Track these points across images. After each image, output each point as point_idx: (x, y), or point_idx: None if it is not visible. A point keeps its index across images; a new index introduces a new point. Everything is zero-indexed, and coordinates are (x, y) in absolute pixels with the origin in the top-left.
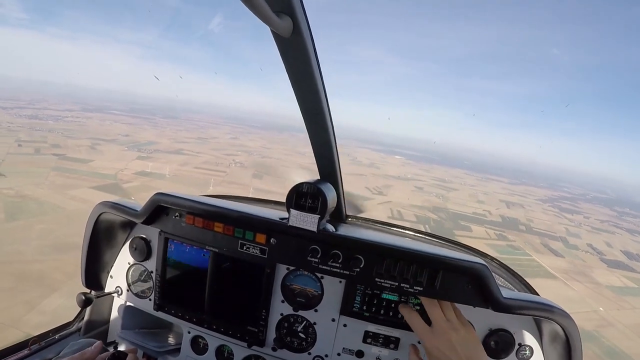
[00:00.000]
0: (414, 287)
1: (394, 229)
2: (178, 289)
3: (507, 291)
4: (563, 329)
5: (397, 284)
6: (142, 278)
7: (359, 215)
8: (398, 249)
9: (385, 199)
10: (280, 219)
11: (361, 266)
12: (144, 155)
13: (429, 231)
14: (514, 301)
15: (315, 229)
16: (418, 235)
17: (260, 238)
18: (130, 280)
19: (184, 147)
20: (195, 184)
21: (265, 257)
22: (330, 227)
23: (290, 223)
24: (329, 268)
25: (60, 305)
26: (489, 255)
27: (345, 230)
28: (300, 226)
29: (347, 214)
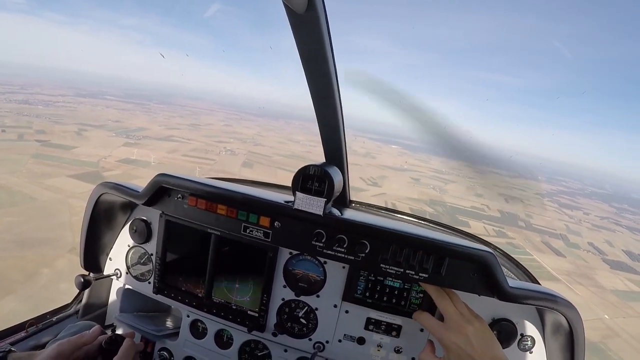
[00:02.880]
0: (420, 274)
1: (398, 215)
2: (178, 272)
3: (512, 280)
4: (567, 319)
5: (402, 270)
6: (141, 261)
7: (363, 201)
8: (405, 234)
9: (380, 190)
10: (285, 202)
11: (366, 251)
12: (131, 141)
13: (432, 219)
14: (520, 290)
15: (321, 213)
16: (422, 222)
17: (264, 221)
18: (129, 263)
19: (174, 133)
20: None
21: (269, 240)
22: (336, 212)
23: (296, 206)
24: (333, 253)
25: (12, 310)
26: (492, 244)
27: (351, 214)
28: (306, 209)
29: (351, 199)
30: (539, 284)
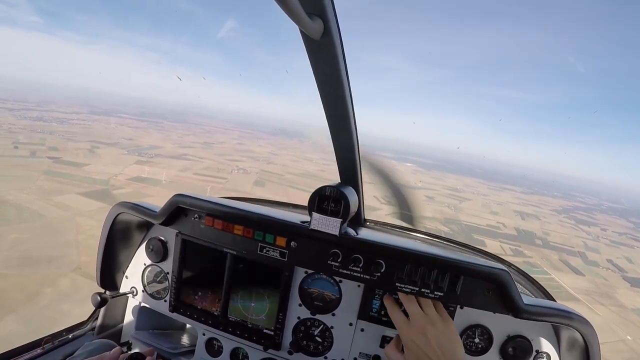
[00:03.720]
0: (435, 293)
1: (413, 233)
2: (194, 291)
3: (527, 297)
4: (582, 335)
5: (417, 289)
6: (157, 279)
7: (378, 220)
8: (420, 253)
9: (395, 209)
10: (301, 222)
11: (382, 271)
12: (143, 159)
13: (447, 237)
14: (535, 307)
15: (337, 233)
16: (436, 240)
17: (281, 241)
18: (145, 281)
19: (187, 151)
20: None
21: (285, 260)
22: (352, 231)
23: (312, 226)
24: (349, 272)
25: (11, 331)
26: (506, 261)
27: (365, 234)
28: (322, 230)
29: (366, 218)
30: (555, 300)
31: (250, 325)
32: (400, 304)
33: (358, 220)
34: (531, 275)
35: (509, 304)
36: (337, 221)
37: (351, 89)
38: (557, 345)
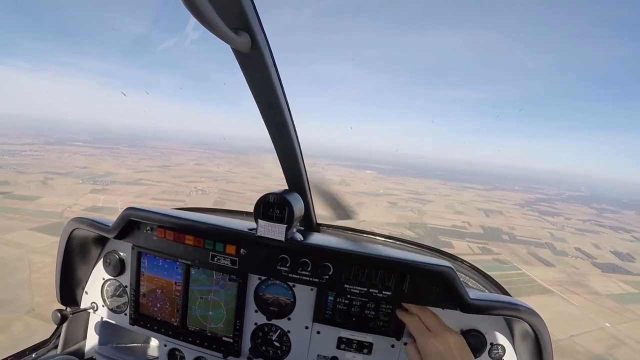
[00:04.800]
0: (383, 292)
1: (366, 235)
2: (152, 303)
3: (476, 292)
4: (531, 326)
5: (365, 289)
6: (117, 293)
7: (331, 223)
8: (365, 255)
9: (358, 218)
10: (249, 229)
11: (330, 273)
12: (98, 187)
13: (400, 237)
14: (481, 302)
15: (282, 239)
16: (388, 240)
17: (230, 249)
18: (105, 296)
19: (144, 176)
20: None
21: (236, 267)
22: (299, 236)
23: (259, 233)
24: (298, 276)
25: None
26: (459, 258)
27: (315, 238)
28: (269, 236)
29: (319, 222)
30: (509, 294)
31: (209, 334)
32: (401, 325)
33: (310, 225)
34: (484, 271)
35: (455, 300)
36: (282, 227)
37: (287, 98)
38: (511, 337)
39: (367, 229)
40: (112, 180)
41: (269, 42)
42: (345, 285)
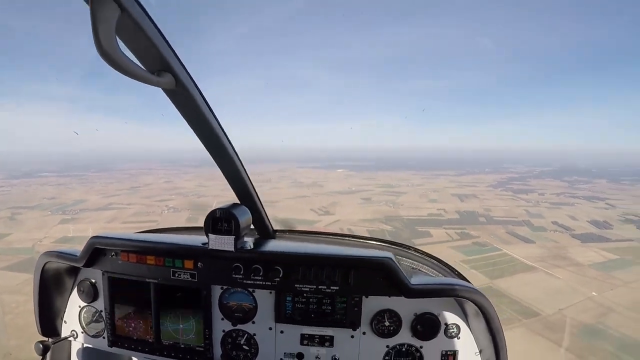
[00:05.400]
0: (331, 287)
1: (321, 236)
2: (127, 323)
3: (425, 277)
4: (475, 304)
5: (314, 286)
6: (94, 318)
7: (288, 229)
8: (309, 255)
9: (333, 218)
10: (202, 244)
11: (280, 276)
12: (68, 217)
13: (354, 233)
14: (422, 286)
15: (232, 249)
16: (338, 238)
17: (189, 264)
18: (83, 323)
19: (113, 200)
20: None
21: (196, 280)
22: (249, 245)
23: (211, 246)
24: (253, 282)
25: None
26: (412, 247)
27: (268, 245)
28: (220, 248)
29: (275, 228)
30: (463, 277)
31: (182, 346)
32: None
33: (267, 233)
34: (437, 256)
35: (398, 287)
36: (230, 239)
37: (218, 120)
38: (464, 316)
39: (325, 230)
40: (82, 208)
41: (193, 76)
42: (296, 285)
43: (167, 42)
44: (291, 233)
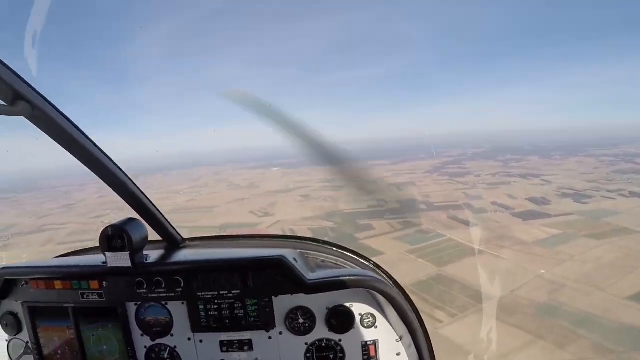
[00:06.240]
0: (232, 292)
1: (233, 239)
2: (54, 351)
3: (318, 272)
4: (379, 292)
5: (216, 292)
6: (21, 350)
7: (197, 236)
8: (207, 262)
9: (274, 219)
10: (102, 262)
11: (182, 286)
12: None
13: (278, 234)
14: (320, 280)
15: (129, 264)
16: (247, 240)
17: (94, 284)
18: (13, 356)
19: (47, 221)
20: None
21: (104, 299)
22: (148, 258)
23: (109, 264)
24: (157, 295)
25: None
26: (320, 240)
27: (171, 256)
28: (117, 265)
29: (185, 237)
30: (377, 266)
31: None
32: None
33: (174, 242)
34: (351, 249)
35: (296, 284)
36: (126, 254)
37: (91, 138)
38: (378, 305)
39: (238, 233)
40: (14, 232)
41: (49, 99)
42: (199, 293)
43: (13, 72)
44: (201, 240)
